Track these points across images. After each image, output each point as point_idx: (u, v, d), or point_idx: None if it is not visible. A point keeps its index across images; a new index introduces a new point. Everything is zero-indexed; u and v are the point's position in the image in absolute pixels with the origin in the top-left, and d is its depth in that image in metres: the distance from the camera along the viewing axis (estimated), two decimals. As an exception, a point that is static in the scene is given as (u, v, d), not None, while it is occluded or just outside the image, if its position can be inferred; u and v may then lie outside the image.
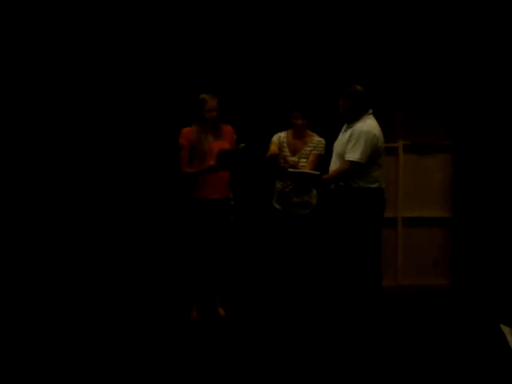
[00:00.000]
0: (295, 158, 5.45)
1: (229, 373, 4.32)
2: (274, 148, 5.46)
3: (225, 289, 5.57)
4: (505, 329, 3.97)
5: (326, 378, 4.26)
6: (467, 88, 6.47)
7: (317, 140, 5.49)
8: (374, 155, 4.94)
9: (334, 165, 5.08)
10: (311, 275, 5.66)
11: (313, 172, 5.19)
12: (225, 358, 4.58)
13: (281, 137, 5.55)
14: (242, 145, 5.07)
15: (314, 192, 5.51)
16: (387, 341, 4.91)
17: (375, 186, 4.98)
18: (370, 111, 5.04)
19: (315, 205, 5.55)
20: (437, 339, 5.04)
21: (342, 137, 5.07)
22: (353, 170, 4.92)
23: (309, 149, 5.46)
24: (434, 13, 6.31)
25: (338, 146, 5.10)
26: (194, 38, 6.17)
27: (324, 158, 5.39)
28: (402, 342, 4.96)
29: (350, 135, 4.94)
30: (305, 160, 5.43)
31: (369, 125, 4.96)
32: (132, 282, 6.08)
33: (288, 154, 5.47)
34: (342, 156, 4.98)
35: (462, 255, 6.56)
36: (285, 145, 5.51)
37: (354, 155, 4.90)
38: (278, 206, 5.57)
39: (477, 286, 6.38)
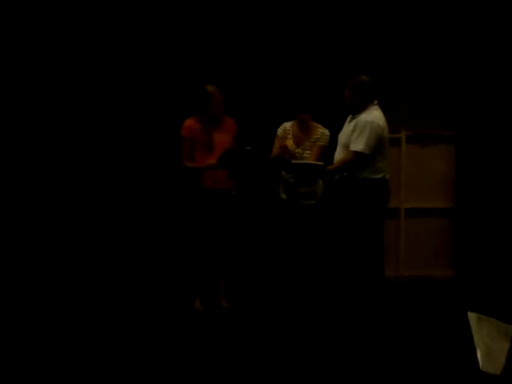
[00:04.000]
0: (299, 150, 5.41)
1: (232, 364, 4.33)
2: (278, 147, 5.38)
3: (228, 280, 5.56)
4: (471, 316, 3.87)
5: (329, 368, 4.27)
6: (470, 79, 6.46)
7: (320, 132, 5.43)
8: (379, 146, 4.91)
9: (339, 155, 5.05)
10: (315, 266, 5.64)
11: (317, 163, 5.15)
12: (228, 349, 4.58)
13: (286, 127, 5.49)
14: (248, 148, 5.03)
15: (321, 183, 5.47)
16: (388, 331, 4.91)
17: (380, 176, 4.96)
18: (376, 102, 5.01)
19: (321, 195, 5.51)
20: (437, 330, 5.04)
21: (347, 127, 5.05)
22: (357, 160, 4.90)
23: (313, 140, 5.42)
24: (438, 5, 6.29)
25: (342, 136, 5.08)
26: (195, 30, 6.14)
27: (329, 150, 5.35)
28: (403, 332, 4.96)
29: (355, 126, 4.91)
30: (309, 152, 5.38)
31: (374, 115, 4.93)
32: (136, 274, 6.07)
33: (293, 144, 5.44)
34: (346, 147, 4.95)
35: (464, 246, 6.56)
36: (290, 136, 5.46)
37: (358, 146, 4.87)
38: (283, 196, 5.53)
39: (478, 277, 6.38)
